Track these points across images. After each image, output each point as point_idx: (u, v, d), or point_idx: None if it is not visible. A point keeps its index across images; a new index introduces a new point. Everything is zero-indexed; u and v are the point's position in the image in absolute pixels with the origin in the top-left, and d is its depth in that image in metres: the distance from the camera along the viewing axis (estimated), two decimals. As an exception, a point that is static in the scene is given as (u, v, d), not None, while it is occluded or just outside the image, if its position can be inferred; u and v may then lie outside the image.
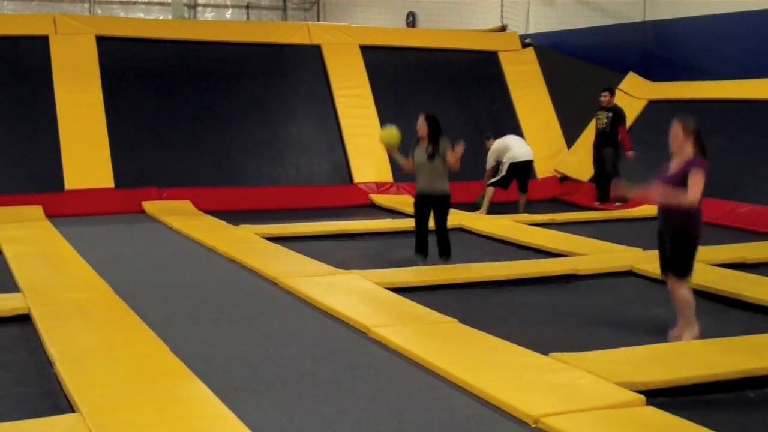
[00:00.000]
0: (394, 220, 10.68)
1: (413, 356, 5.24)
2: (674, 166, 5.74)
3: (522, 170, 11.71)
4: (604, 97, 12.36)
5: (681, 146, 5.72)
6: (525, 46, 14.86)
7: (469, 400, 4.58)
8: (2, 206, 10.56)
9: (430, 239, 8.11)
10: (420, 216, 8.12)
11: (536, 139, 13.77)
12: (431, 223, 8.14)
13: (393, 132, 8.10)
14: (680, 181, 5.61)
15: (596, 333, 6.05)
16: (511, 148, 11.70)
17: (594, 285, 7.51)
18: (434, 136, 7.97)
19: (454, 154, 7.92)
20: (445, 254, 8.13)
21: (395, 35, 14.79)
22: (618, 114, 12.28)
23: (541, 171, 13.49)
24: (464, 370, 4.91)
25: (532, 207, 11.73)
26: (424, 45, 14.35)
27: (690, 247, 5.72)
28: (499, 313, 6.69)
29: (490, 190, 11.58)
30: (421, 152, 8.00)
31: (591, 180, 12.87)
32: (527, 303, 6.99)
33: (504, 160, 11.65)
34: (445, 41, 14.57)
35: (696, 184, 5.58)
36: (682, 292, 5.68)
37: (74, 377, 4.70)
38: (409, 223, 10.24)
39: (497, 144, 11.83)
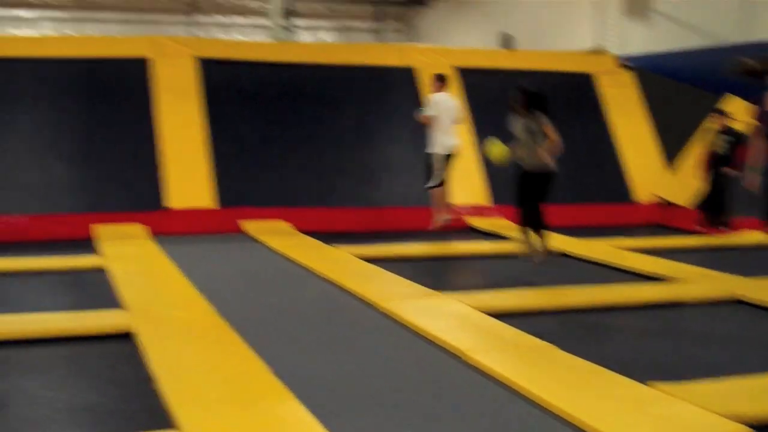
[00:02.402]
0: (492, 243, 10.63)
1: (509, 382, 5.19)
2: None
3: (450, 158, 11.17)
4: (720, 120, 11.95)
5: None
6: (623, 67, 14.67)
7: (567, 430, 4.51)
8: (108, 224, 10.85)
9: None
10: (518, 190, 8.09)
11: (635, 162, 13.60)
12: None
13: (499, 149, 8.11)
14: None
15: (698, 362, 5.90)
16: (440, 132, 10.90)
17: (697, 312, 7.33)
18: (531, 110, 7.91)
19: (547, 147, 7.85)
20: (536, 229, 8.07)
21: (490, 57, 14.75)
22: (738, 136, 11.92)
23: (641, 195, 13.29)
24: (561, 397, 4.84)
25: (631, 232, 11.51)
26: (520, 67, 14.26)
27: None
28: (598, 339, 6.58)
29: (436, 194, 11.17)
30: (518, 126, 7.97)
31: (695, 205, 12.59)
32: (627, 329, 6.87)
33: (435, 149, 10.97)
34: (541, 63, 14.47)
35: None
36: None
37: (175, 394, 4.79)
38: (507, 247, 10.23)
39: (436, 100, 11.04)
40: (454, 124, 11.16)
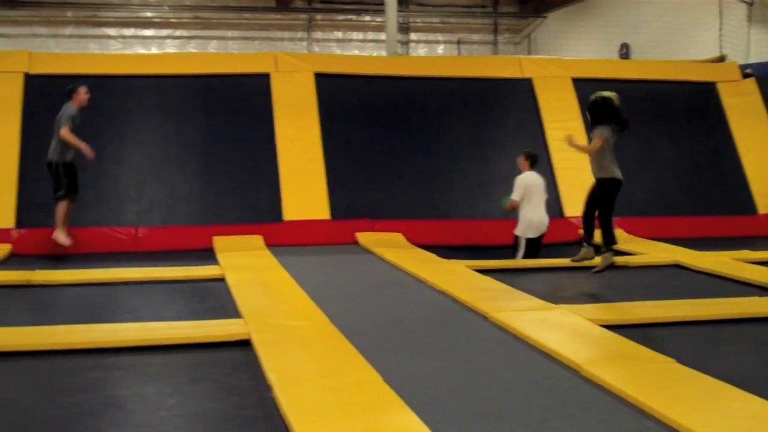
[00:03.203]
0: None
1: (627, 396, 5.08)
2: None
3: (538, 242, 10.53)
4: None
5: None
6: (746, 76, 14.24)
7: (688, 445, 4.40)
8: (226, 235, 11.11)
9: None
10: (587, 198, 8.48)
11: (758, 173, 13.19)
12: None
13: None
14: None
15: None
16: (531, 212, 10.41)
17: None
18: (595, 122, 8.34)
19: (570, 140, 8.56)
20: (606, 243, 8.40)
21: (608, 67, 14.53)
22: None
23: (764, 206, 12.87)
24: (682, 413, 4.70)
25: (753, 244, 11.15)
26: (638, 77, 14.01)
27: None
28: (721, 354, 6.39)
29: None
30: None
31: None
32: (751, 345, 6.65)
33: (518, 232, 10.45)
34: (660, 73, 14.19)
35: None
36: None
37: (291, 402, 4.86)
38: (622, 259, 10.05)
39: (524, 183, 10.46)
40: (543, 200, 10.62)
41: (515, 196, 10.41)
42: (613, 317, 7.06)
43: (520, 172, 10.72)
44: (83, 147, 10.27)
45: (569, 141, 8.69)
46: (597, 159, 8.31)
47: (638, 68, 14.62)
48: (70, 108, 10.40)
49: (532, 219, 10.43)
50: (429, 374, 5.65)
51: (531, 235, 10.45)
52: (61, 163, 10.34)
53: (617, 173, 8.33)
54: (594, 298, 8.10)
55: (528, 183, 10.48)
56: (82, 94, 10.53)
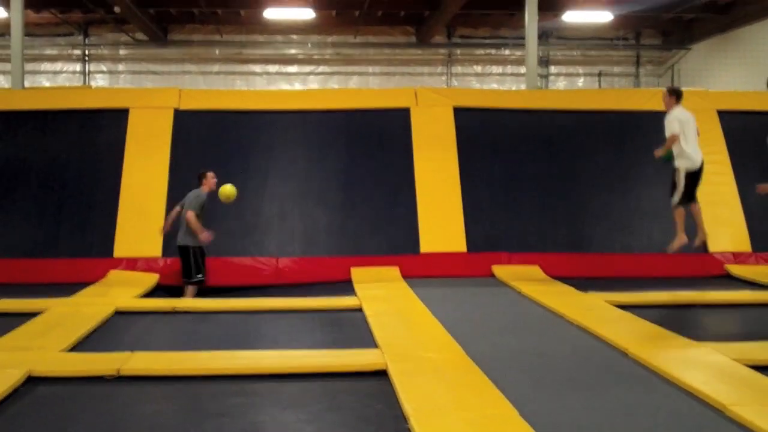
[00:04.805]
0: (753, 292, 10.09)
1: (775, 439, 4.90)
2: None
3: (696, 179, 9.94)
4: None
5: None
6: None
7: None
8: (363, 266, 11.24)
9: None
10: None
11: None
12: None
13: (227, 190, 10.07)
14: None
15: None
16: (687, 147, 9.78)
17: None
18: None
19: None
20: None
21: (755, 99, 14.08)
22: None
23: None
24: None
25: None
26: (788, 109, 13.53)
27: None
28: None
29: (680, 213, 9.86)
30: None
31: None
32: None
33: (678, 165, 9.81)
34: (813, 104, 13.65)
35: None
36: None
37: (427, 434, 4.88)
38: (769, 296, 9.69)
39: (676, 116, 9.84)
40: (696, 137, 10.06)
41: (674, 130, 9.81)
42: (759, 356, 6.78)
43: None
44: (203, 236, 10.59)
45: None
46: None
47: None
48: (201, 194, 10.73)
49: (690, 153, 9.86)
50: (567, 411, 5.57)
51: (690, 169, 9.88)
52: (194, 248, 10.68)
53: None
54: (740, 336, 7.81)
55: (680, 118, 9.90)
56: (211, 179, 10.85)
